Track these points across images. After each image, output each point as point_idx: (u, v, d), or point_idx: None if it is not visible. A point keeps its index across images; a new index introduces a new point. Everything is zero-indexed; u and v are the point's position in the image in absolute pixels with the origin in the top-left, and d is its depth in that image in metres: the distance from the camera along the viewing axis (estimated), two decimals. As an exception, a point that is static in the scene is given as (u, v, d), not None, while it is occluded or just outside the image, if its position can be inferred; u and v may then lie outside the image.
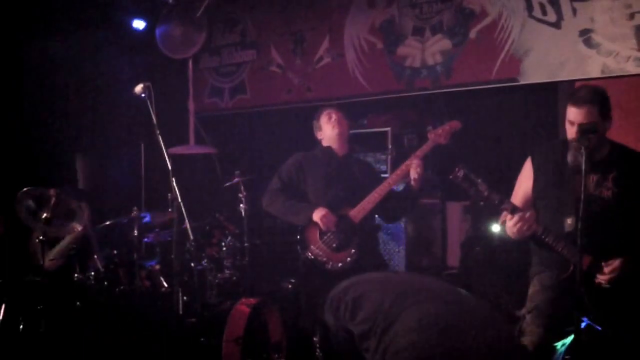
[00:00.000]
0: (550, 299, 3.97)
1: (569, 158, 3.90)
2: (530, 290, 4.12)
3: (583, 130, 3.74)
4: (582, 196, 3.57)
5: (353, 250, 4.71)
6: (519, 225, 3.82)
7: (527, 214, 3.81)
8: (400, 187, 4.99)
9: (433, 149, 4.80)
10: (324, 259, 4.69)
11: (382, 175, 5.46)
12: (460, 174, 3.85)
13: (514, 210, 3.85)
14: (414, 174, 4.73)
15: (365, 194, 4.78)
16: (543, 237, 3.83)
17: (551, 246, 3.83)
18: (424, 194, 5.44)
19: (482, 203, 4.10)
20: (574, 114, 3.86)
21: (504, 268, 5.56)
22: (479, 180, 3.85)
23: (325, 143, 5.06)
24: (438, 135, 4.77)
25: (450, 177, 3.87)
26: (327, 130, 5.03)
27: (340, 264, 4.68)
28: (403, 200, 4.93)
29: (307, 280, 4.82)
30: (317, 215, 4.76)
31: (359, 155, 5.82)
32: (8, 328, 4.93)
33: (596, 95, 3.87)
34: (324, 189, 4.95)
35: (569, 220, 3.80)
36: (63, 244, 5.52)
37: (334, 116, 5.04)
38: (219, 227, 6.09)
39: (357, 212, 4.75)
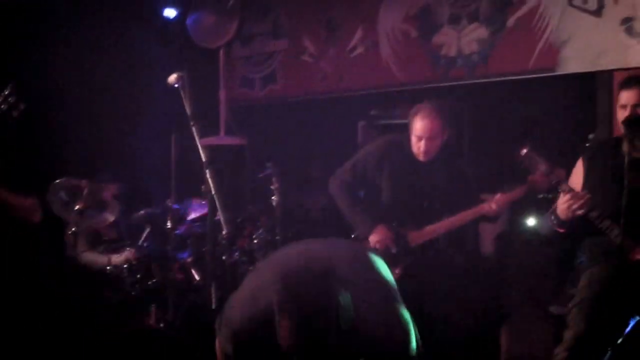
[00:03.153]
0: (597, 293, 3.92)
1: (625, 147, 3.84)
2: (580, 284, 4.09)
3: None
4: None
5: (397, 271, 4.55)
6: (569, 202, 3.79)
7: (581, 193, 3.78)
8: None
9: (526, 193, 4.52)
10: None
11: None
12: (525, 152, 3.85)
13: (570, 192, 3.83)
14: (496, 209, 4.52)
15: (440, 214, 4.59)
16: (597, 221, 3.79)
17: (605, 232, 3.78)
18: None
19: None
20: (625, 96, 3.91)
21: (540, 263, 5.48)
22: (543, 160, 3.85)
23: (412, 142, 4.70)
24: (537, 182, 4.26)
25: (515, 155, 3.84)
26: (415, 129, 4.64)
27: None
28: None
29: None
30: (374, 238, 4.58)
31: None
32: (39, 319, 4.94)
33: None
34: (398, 195, 4.74)
35: None
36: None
37: (425, 112, 4.63)
38: (250, 220, 6.04)
39: (419, 236, 4.58)
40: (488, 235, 6.19)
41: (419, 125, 4.61)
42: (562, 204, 3.86)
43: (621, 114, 3.93)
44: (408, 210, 4.67)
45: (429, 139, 4.62)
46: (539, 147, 3.96)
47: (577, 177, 4.13)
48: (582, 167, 4.13)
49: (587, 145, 4.38)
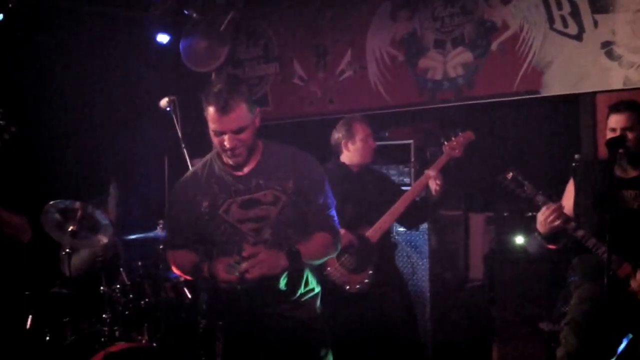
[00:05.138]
0: (588, 311, 4.03)
1: (617, 170, 3.98)
2: (571, 302, 4.18)
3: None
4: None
5: (370, 272, 4.66)
6: (546, 214, 3.89)
7: (555, 204, 3.88)
8: (418, 197, 4.95)
9: (448, 162, 4.80)
10: (343, 280, 4.61)
11: (403, 187, 5.44)
12: (510, 175, 3.94)
13: (545, 204, 3.94)
14: (434, 186, 4.71)
15: (382, 211, 4.76)
16: (584, 239, 3.87)
17: (593, 250, 3.87)
18: (445, 203, 5.40)
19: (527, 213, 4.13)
20: (615, 120, 4.03)
21: (528, 281, 5.54)
22: (526, 183, 3.93)
23: (348, 156, 4.98)
24: (452, 147, 4.80)
25: (499, 179, 3.94)
26: (358, 143, 4.94)
27: (358, 286, 4.62)
28: (423, 208, 4.91)
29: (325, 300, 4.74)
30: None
31: (380, 167, 5.80)
32: (34, 339, 4.96)
33: (636, 104, 4.11)
34: (339, 206, 4.86)
35: None
36: (85, 254, 5.50)
37: (367, 129, 4.98)
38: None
39: (374, 232, 4.70)
40: (477, 254, 6.27)
41: (364, 128, 4.96)
42: (540, 216, 3.96)
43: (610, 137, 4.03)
44: (353, 215, 4.75)
45: (372, 138, 4.98)
46: (523, 170, 4.04)
47: (567, 198, 4.26)
48: (573, 188, 4.26)
49: (575, 165, 4.45)
